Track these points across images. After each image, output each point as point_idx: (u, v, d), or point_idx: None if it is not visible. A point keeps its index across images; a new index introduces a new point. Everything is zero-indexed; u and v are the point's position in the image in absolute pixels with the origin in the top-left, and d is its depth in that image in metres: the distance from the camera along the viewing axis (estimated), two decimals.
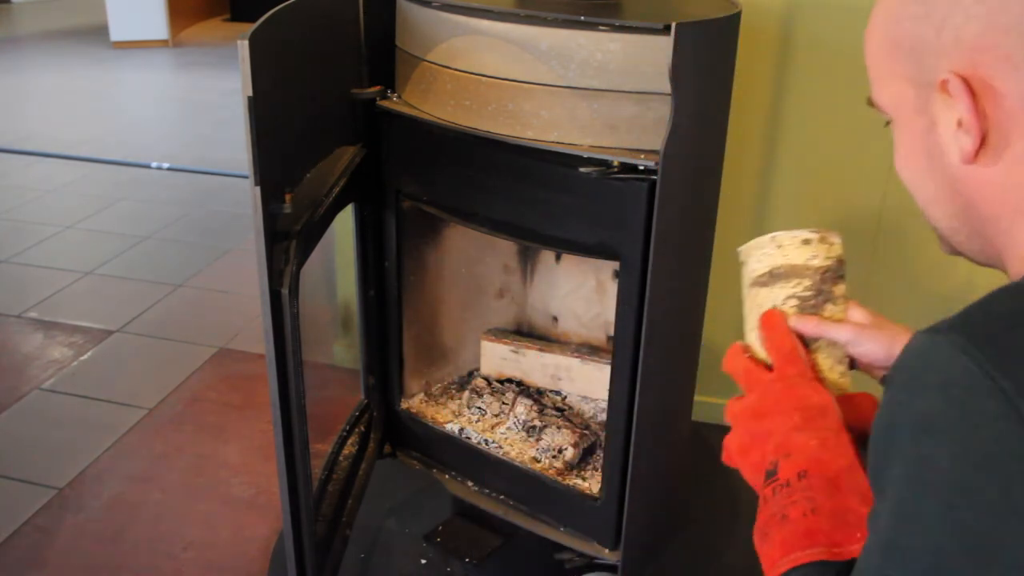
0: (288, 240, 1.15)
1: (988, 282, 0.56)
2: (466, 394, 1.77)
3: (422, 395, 1.77)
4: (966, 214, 0.61)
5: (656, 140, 1.21)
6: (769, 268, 0.79)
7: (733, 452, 0.76)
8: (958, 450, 0.49)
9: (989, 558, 0.47)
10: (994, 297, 0.53)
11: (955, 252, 0.67)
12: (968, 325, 0.50)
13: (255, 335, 2.53)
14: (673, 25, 1.09)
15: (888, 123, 0.66)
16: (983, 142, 0.57)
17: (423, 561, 1.65)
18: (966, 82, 0.55)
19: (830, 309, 0.80)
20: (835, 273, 0.79)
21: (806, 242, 0.79)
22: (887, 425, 0.54)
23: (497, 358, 1.78)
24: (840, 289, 0.80)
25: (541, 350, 1.76)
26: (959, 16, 0.56)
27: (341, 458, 1.57)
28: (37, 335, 2.55)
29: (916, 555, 0.50)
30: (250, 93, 0.99)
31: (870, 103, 0.66)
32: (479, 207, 1.42)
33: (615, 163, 1.22)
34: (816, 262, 0.79)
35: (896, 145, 0.65)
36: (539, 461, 1.60)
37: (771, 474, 0.70)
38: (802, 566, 0.64)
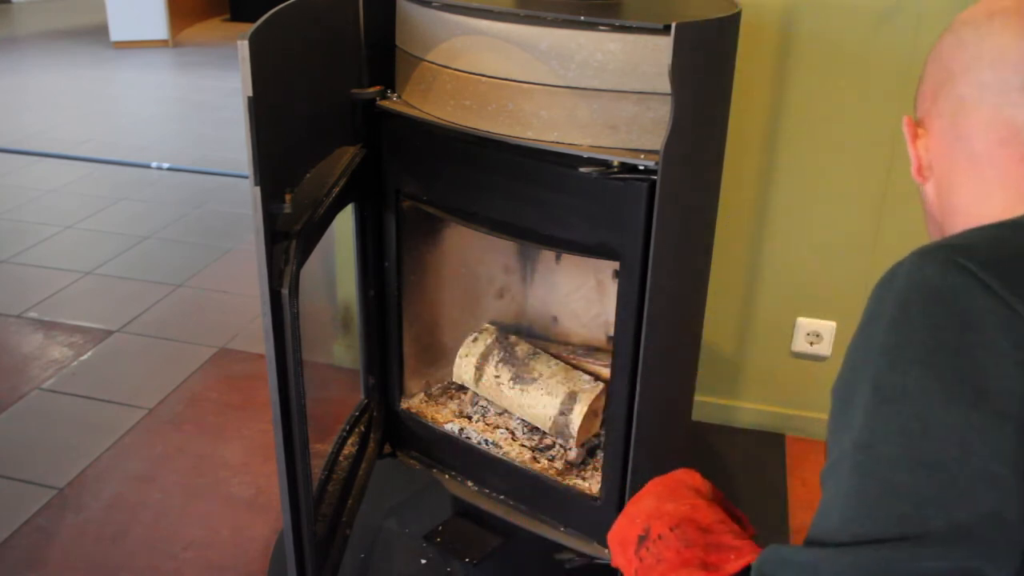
0: (288, 240, 1.15)
1: None
2: (468, 394, 1.77)
3: (422, 395, 1.77)
4: (932, 228, 0.79)
5: (656, 140, 1.21)
6: None
7: (613, 542, 0.82)
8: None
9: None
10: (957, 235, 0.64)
11: None
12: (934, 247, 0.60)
13: (255, 335, 2.53)
14: (673, 25, 1.09)
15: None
16: (929, 166, 0.76)
17: (423, 561, 1.65)
18: (915, 124, 0.77)
19: None
20: None
21: None
22: (864, 323, 0.60)
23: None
24: None
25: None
26: (923, 79, 0.77)
27: (341, 458, 1.57)
28: (37, 335, 2.55)
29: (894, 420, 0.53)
30: (250, 93, 0.99)
31: None
32: (479, 207, 1.42)
33: (615, 163, 1.22)
34: None
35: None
36: (539, 461, 1.60)
37: (643, 538, 0.77)
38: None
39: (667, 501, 0.80)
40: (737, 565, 0.68)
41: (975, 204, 0.71)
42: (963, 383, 0.51)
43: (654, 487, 0.85)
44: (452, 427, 1.68)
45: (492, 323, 1.82)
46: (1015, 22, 0.68)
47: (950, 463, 0.50)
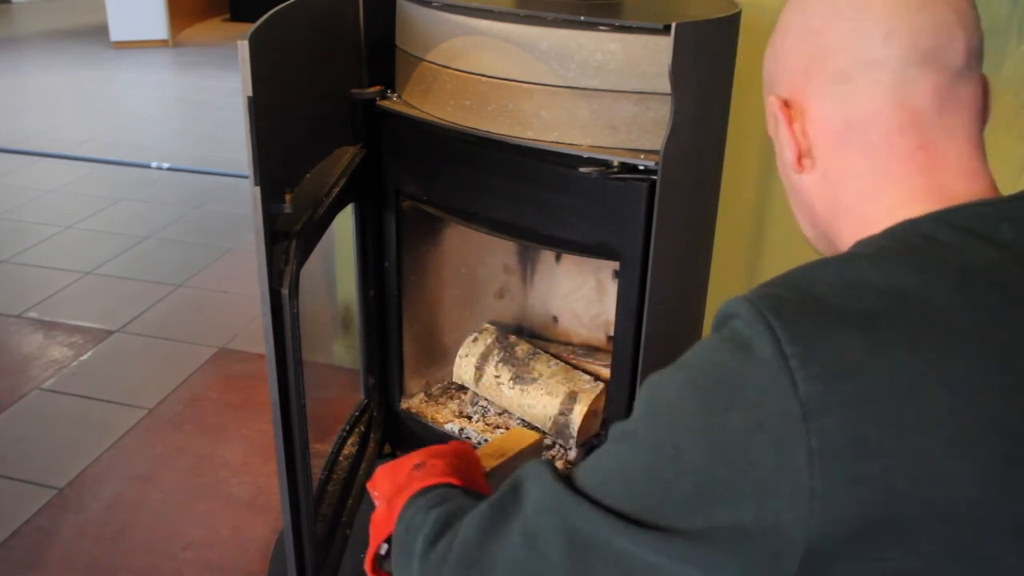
0: (288, 240, 1.15)
1: None
2: (468, 394, 1.77)
3: (422, 395, 1.77)
4: (815, 221, 0.70)
5: (656, 140, 1.21)
6: None
7: (380, 477, 0.90)
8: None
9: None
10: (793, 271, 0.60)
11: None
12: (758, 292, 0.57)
13: (255, 335, 2.53)
14: (673, 25, 1.09)
15: None
16: (808, 154, 0.67)
17: None
18: (785, 104, 0.67)
19: None
20: None
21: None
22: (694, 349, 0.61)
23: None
24: None
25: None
26: (784, 49, 0.68)
27: (341, 458, 1.57)
28: (37, 335, 2.55)
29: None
30: (250, 93, 0.99)
31: None
32: (479, 207, 1.42)
33: (615, 163, 1.22)
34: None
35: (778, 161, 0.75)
36: None
37: (420, 465, 0.85)
38: (432, 487, 0.79)
39: (439, 449, 0.89)
40: (420, 486, 0.80)
41: (862, 203, 0.64)
42: (724, 436, 0.53)
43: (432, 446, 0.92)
44: (452, 427, 1.68)
45: (492, 323, 1.82)
46: None
47: (678, 492, 0.54)
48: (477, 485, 0.85)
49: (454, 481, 0.80)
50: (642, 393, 0.60)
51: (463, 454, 0.91)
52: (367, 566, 0.90)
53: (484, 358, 1.72)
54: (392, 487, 0.84)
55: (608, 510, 0.56)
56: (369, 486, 0.91)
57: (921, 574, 0.50)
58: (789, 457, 0.50)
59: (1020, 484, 0.49)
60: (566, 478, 0.61)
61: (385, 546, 0.87)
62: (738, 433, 0.51)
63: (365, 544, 1.69)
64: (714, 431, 0.53)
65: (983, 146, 0.64)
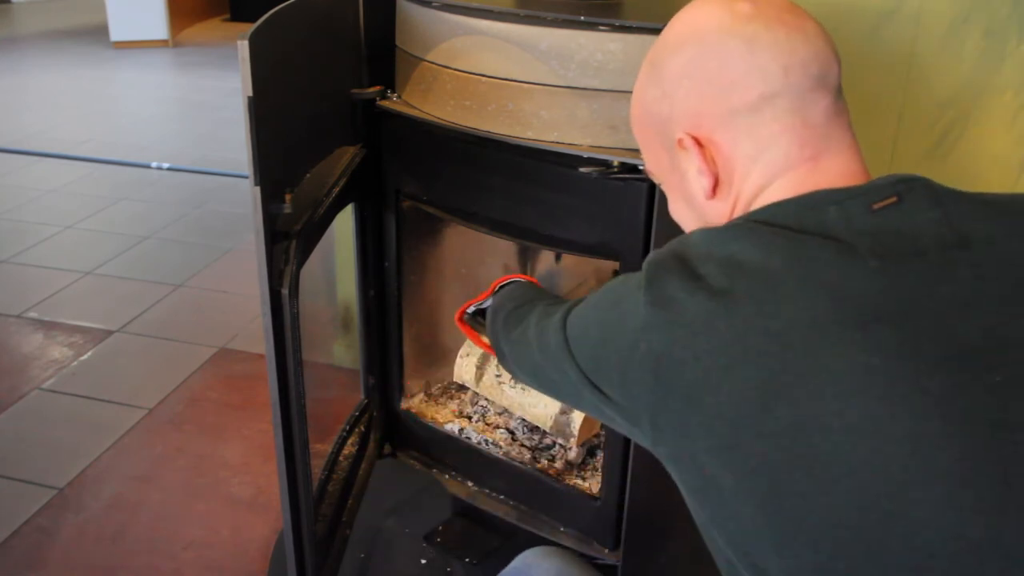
0: (288, 240, 1.15)
1: None
2: (468, 394, 1.77)
3: (422, 395, 1.77)
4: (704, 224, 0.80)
5: None
6: None
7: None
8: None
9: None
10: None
11: None
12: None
13: (255, 335, 2.53)
14: None
15: (659, 185, 0.88)
16: (718, 182, 0.76)
17: (423, 561, 1.65)
18: (695, 139, 0.75)
19: None
20: None
21: None
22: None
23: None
24: None
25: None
26: (679, 93, 0.75)
27: (341, 458, 1.57)
28: (37, 335, 2.55)
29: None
30: (250, 93, 0.99)
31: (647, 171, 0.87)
32: (479, 207, 1.42)
33: (615, 163, 1.22)
34: None
35: (668, 199, 0.85)
36: (539, 461, 1.60)
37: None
38: (510, 282, 1.15)
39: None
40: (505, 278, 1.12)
41: (755, 202, 0.75)
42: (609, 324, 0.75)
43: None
44: (452, 427, 1.68)
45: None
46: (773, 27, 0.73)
47: (591, 340, 0.78)
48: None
49: (525, 277, 1.23)
50: (595, 296, 0.81)
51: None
52: (456, 316, 1.33)
53: (485, 357, 1.72)
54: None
55: (570, 352, 0.80)
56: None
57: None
58: (634, 354, 0.68)
59: (776, 401, 0.61)
60: (566, 319, 0.83)
61: (473, 307, 1.29)
62: (613, 331, 0.73)
63: (365, 544, 1.70)
64: (605, 325, 0.75)
65: (859, 148, 0.76)
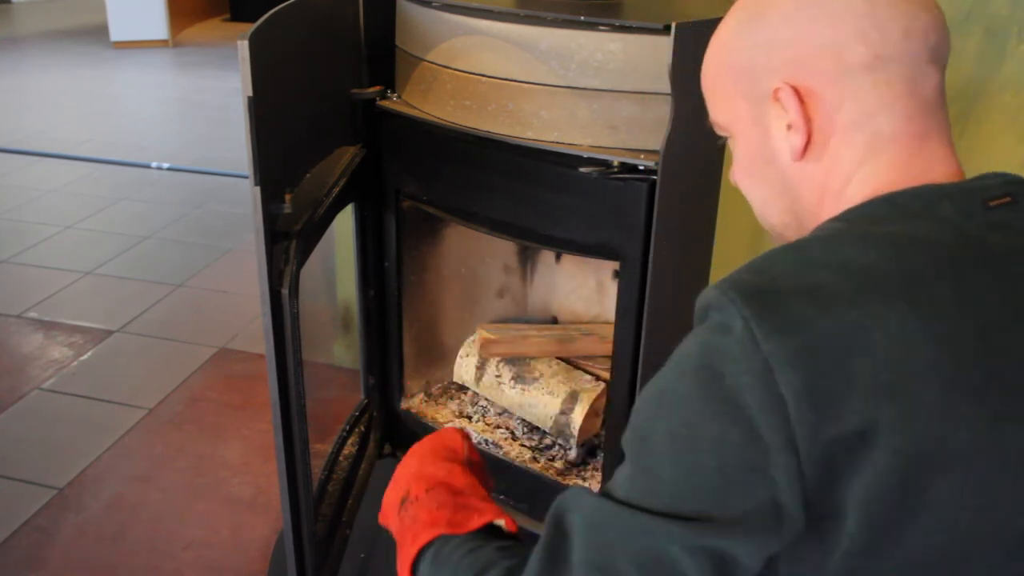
0: (288, 240, 1.15)
1: None
2: (468, 394, 1.77)
3: (422, 395, 1.77)
4: (794, 208, 0.72)
5: (656, 140, 1.21)
6: None
7: (384, 505, 0.89)
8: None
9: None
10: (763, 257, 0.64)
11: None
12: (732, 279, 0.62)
13: (255, 335, 2.53)
14: (673, 25, 1.09)
15: (725, 140, 0.78)
16: (810, 141, 0.68)
17: None
18: (795, 90, 0.67)
19: None
20: None
21: None
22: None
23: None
24: None
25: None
26: (782, 41, 0.68)
27: (341, 458, 1.57)
28: (37, 335, 2.55)
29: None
30: (250, 93, 0.99)
31: (710, 125, 0.78)
32: (479, 207, 1.42)
33: (615, 163, 1.22)
34: None
35: (735, 157, 0.76)
36: (539, 461, 1.60)
37: (404, 500, 0.85)
38: (427, 545, 0.77)
39: (428, 464, 0.88)
40: (479, 522, 0.78)
41: (853, 187, 0.68)
42: (724, 403, 0.58)
43: (419, 448, 0.91)
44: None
45: (492, 323, 1.81)
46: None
47: (705, 467, 0.58)
48: (462, 490, 0.84)
49: (443, 530, 0.78)
50: (640, 401, 0.65)
51: (443, 461, 0.89)
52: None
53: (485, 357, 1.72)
54: (391, 523, 0.87)
55: (652, 512, 0.59)
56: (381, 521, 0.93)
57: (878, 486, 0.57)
58: (769, 408, 0.56)
59: (915, 407, 0.56)
60: (605, 495, 0.63)
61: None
62: (732, 396, 0.57)
63: (365, 544, 1.69)
64: (715, 401, 0.58)
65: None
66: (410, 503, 0.83)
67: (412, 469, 0.88)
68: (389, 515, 0.86)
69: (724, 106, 0.75)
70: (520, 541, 0.79)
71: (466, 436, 0.94)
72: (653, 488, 0.60)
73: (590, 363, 1.72)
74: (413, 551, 0.77)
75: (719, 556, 0.58)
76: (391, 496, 0.88)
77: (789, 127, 0.68)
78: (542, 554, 0.63)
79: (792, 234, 0.74)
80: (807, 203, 0.71)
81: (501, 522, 0.80)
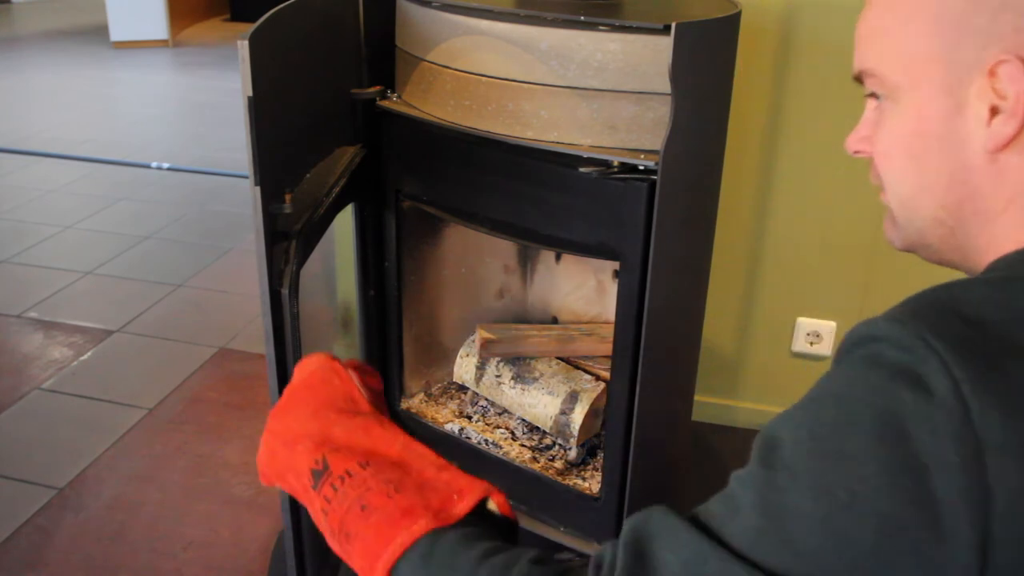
0: (288, 240, 1.15)
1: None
2: (468, 394, 1.77)
3: (422, 395, 1.77)
4: (961, 209, 0.58)
5: (656, 140, 1.21)
6: None
7: (262, 455, 0.70)
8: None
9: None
10: (954, 289, 0.51)
11: (909, 247, 0.65)
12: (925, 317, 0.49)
13: (255, 335, 2.53)
14: (673, 25, 1.09)
15: (871, 96, 0.63)
16: (1020, 132, 0.54)
17: None
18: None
19: None
20: None
21: None
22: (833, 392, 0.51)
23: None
24: None
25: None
26: (1017, 4, 0.54)
27: None
28: (37, 335, 2.55)
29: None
30: (250, 93, 0.99)
31: (858, 77, 0.64)
32: (479, 207, 1.42)
33: (615, 163, 1.22)
34: None
35: (886, 126, 0.61)
36: (539, 461, 1.60)
37: (320, 473, 0.65)
38: (415, 543, 0.59)
39: (335, 426, 0.68)
40: (465, 507, 0.62)
41: None
42: (907, 476, 0.46)
43: (305, 395, 0.72)
44: (452, 427, 1.68)
45: (492, 323, 1.81)
46: None
47: (861, 544, 0.47)
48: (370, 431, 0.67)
49: (430, 524, 0.61)
50: (780, 433, 0.51)
51: (351, 418, 0.69)
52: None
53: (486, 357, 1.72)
54: (298, 495, 0.68)
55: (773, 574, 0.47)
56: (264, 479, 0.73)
57: None
58: (968, 498, 0.44)
59: None
60: (708, 533, 0.50)
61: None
62: (920, 472, 0.45)
63: None
64: (895, 472, 0.46)
65: None
66: (336, 479, 0.64)
67: (305, 426, 0.69)
68: (295, 484, 0.68)
69: (904, 60, 0.59)
70: (516, 525, 0.67)
71: (352, 367, 0.75)
72: (785, 552, 0.48)
73: (590, 363, 1.72)
74: (390, 555, 0.60)
75: None
76: (287, 460, 0.68)
77: (993, 110, 0.55)
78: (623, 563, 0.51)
79: (935, 241, 0.62)
80: (984, 206, 0.57)
81: (493, 505, 0.66)
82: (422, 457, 0.67)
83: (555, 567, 0.57)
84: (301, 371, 0.76)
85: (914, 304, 0.49)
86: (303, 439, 0.68)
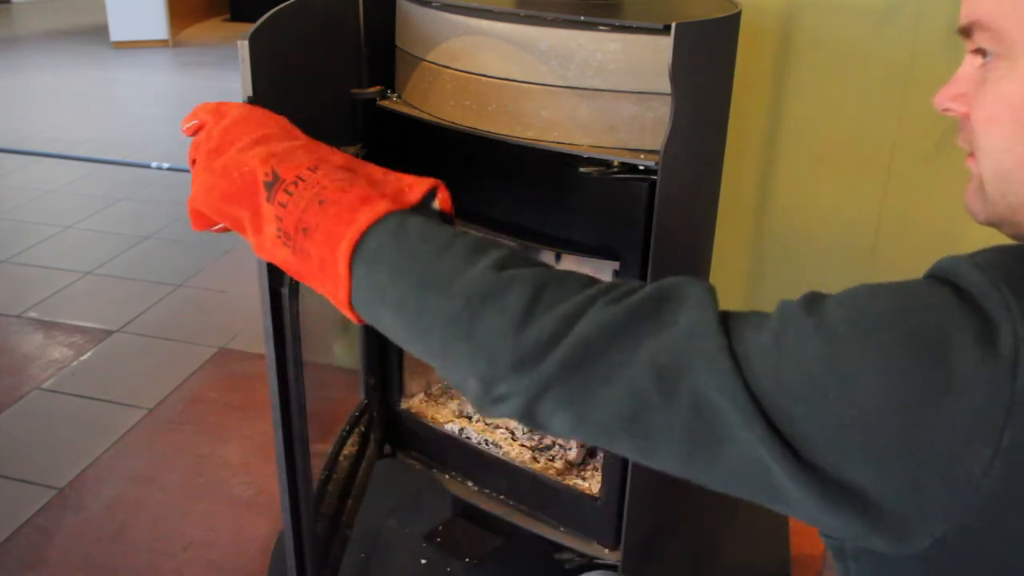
0: None
1: None
2: None
3: (422, 395, 1.77)
4: None
5: (656, 140, 1.21)
6: None
7: (199, 194, 0.69)
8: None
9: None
10: None
11: (994, 221, 0.58)
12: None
13: (255, 335, 2.53)
14: (673, 25, 1.09)
15: (977, 51, 0.56)
16: None
17: (423, 561, 1.65)
18: None
19: None
20: None
21: None
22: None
23: None
24: None
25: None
26: None
27: (341, 458, 1.57)
28: (37, 335, 2.55)
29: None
30: (250, 93, 0.99)
31: (966, 30, 0.55)
32: (479, 207, 1.42)
33: (615, 163, 1.22)
34: None
35: (1002, 87, 0.53)
36: (539, 461, 1.60)
37: (272, 183, 0.65)
38: (383, 219, 0.60)
39: (274, 143, 0.68)
40: (416, 195, 0.64)
41: None
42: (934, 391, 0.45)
43: (234, 130, 0.71)
44: (452, 427, 1.68)
45: None
46: None
47: (832, 416, 0.47)
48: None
49: (389, 206, 0.62)
50: (836, 294, 0.51)
51: (289, 138, 0.71)
52: (345, 259, 0.62)
53: None
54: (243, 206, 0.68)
55: (763, 413, 0.47)
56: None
57: None
58: (971, 444, 0.44)
59: None
60: (727, 330, 0.50)
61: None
62: (939, 392, 0.44)
63: (365, 544, 1.69)
64: (912, 380, 0.45)
65: None
66: (290, 185, 0.64)
67: (254, 151, 0.68)
68: (239, 214, 0.68)
69: None
70: (454, 222, 0.67)
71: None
72: (768, 379, 0.48)
73: None
74: (355, 232, 0.59)
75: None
76: (237, 183, 0.67)
77: None
78: (624, 316, 0.51)
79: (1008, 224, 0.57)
80: None
81: (436, 204, 0.66)
82: (367, 164, 0.70)
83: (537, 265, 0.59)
84: (222, 115, 0.74)
85: (1000, 256, 0.48)
86: (248, 162, 0.67)
